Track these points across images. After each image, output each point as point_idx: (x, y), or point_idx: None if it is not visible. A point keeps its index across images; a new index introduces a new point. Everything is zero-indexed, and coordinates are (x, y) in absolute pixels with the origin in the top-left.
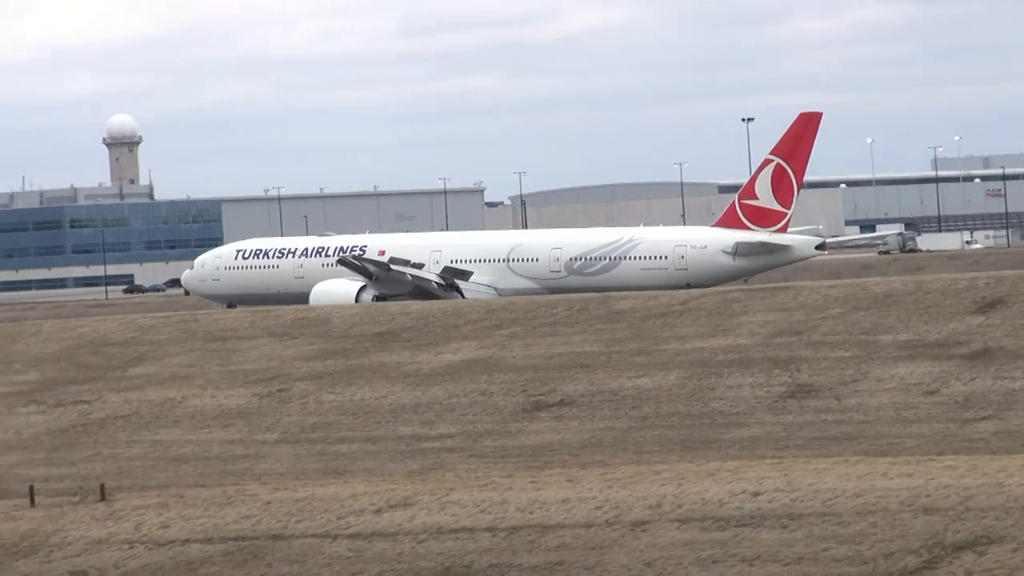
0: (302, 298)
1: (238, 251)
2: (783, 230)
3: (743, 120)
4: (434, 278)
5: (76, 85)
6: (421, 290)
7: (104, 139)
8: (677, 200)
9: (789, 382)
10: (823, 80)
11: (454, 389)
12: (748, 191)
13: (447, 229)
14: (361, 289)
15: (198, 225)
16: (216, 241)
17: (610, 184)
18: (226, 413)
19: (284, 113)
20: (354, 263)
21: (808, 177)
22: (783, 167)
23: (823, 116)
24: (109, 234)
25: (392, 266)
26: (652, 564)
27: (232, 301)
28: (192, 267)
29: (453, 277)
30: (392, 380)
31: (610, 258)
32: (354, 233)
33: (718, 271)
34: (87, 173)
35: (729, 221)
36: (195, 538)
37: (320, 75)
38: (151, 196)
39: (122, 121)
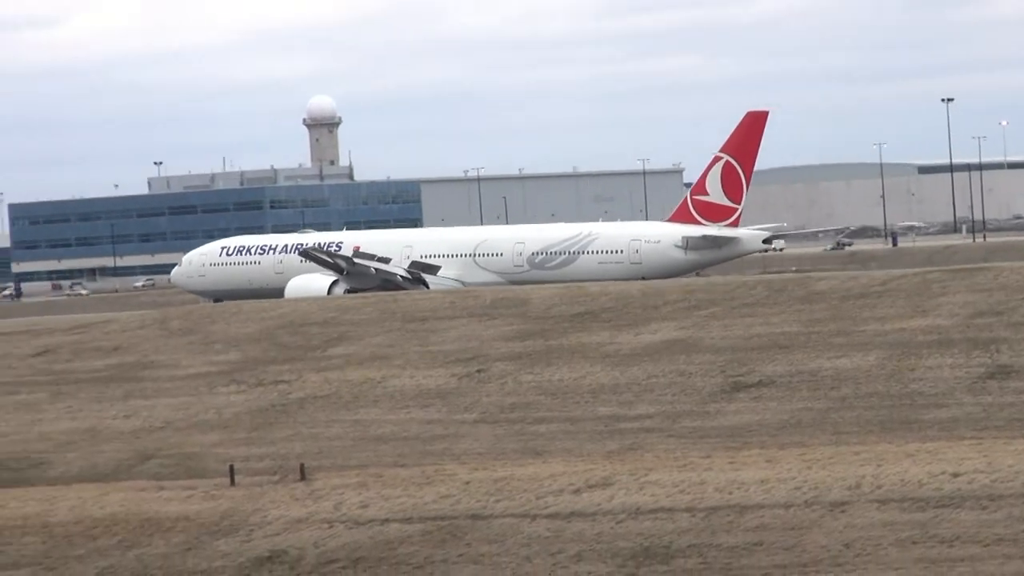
0: (281, 292)
1: (222, 248)
2: (735, 224)
3: (943, 100)
4: (400, 272)
5: (277, 67)
6: (389, 283)
7: (304, 120)
8: (876, 181)
9: (989, 363)
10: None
11: (653, 370)
12: (699, 188)
13: (646, 210)
14: (333, 283)
15: (397, 206)
16: (415, 222)
17: (809, 165)
18: (425, 393)
19: (484, 93)
20: (318, 256)
21: (1009, 158)
22: (732, 164)
23: (769, 114)
24: (309, 215)
25: (355, 260)
26: (851, 545)
27: (218, 296)
28: (180, 264)
29: (420, 271)
30: (591, 360)
31: (569, 253)
32: (334, 230)
33: (671, 264)
34: (287, 154)
35: (683, 216)
36: (394, 517)
37: (520, 55)
38: (351, 177)
39: (322, 102)
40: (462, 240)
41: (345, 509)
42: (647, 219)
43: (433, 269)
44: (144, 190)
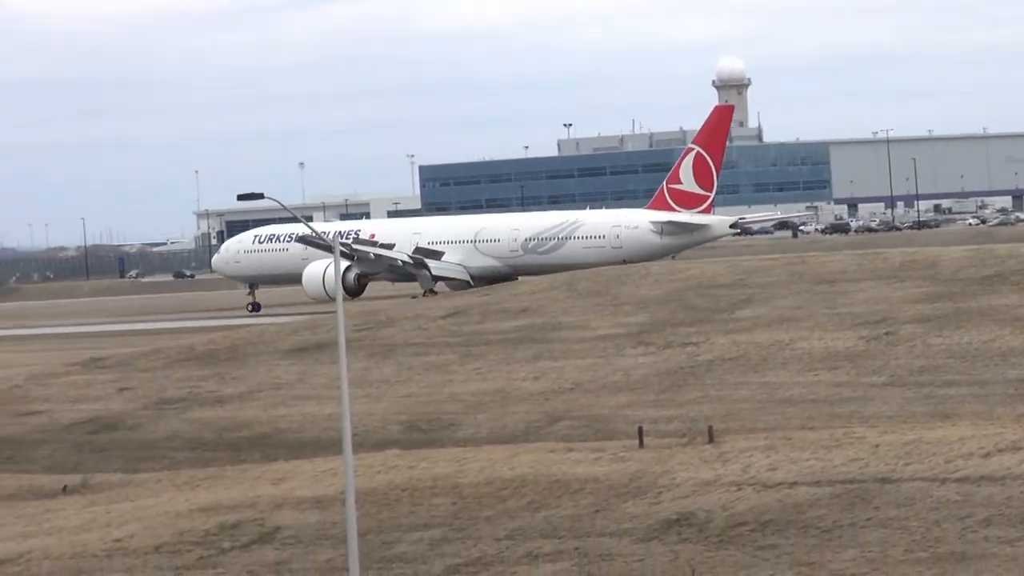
0: None
1: (255, 236)
2: (707, 211)
3: None
4: (403, 257)
5: (687, 29)
6: (394, 268)
7: (713, 82)
8: None
9: None
10: None
11: None
12: (674, 177)
13: None
14: (346, 269)
15: (806, 168)
16: (824, 184)
17: None
18: (833, 355)
19: (894, 54)
20: (315, 242)
21: None
22: (703, 155)
23: (734, 108)
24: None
25: (354, 246)
26: None
27: (252, 281)
28: (220, 252)
29: (425, 257)
30: (1000, 323)
31: (558, 238)
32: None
33: (648, 248)
34: (696, 116)
35: (659, 204)
36: (803, 481)
37: (928, 16)
38: (759, 139)
39: (731, 64)
40: (464, 228)
41: (753, 472)
42: None
43: (437, 255)
44: (553, 152)
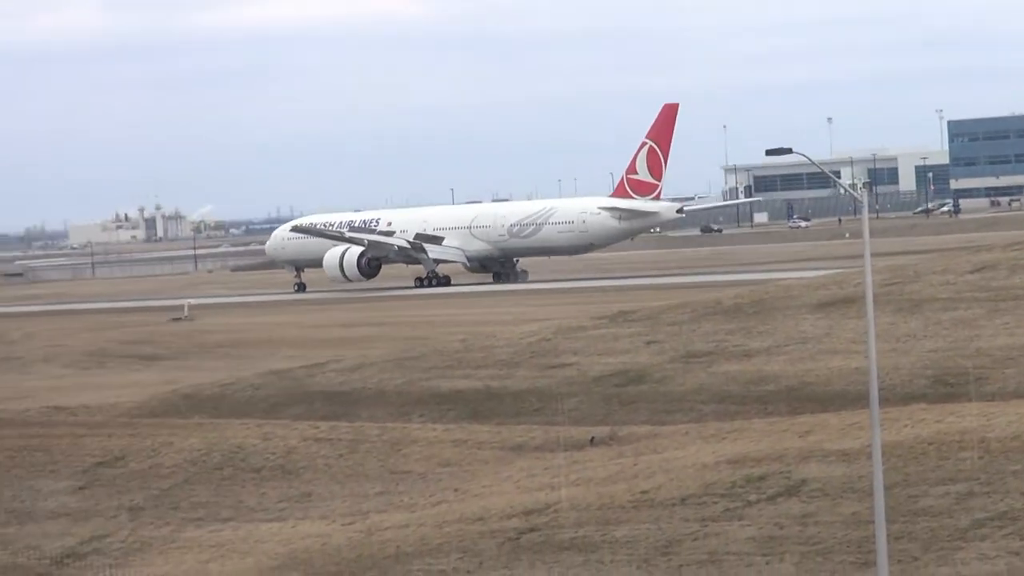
0: None
1: (295, 226)
2: (657, 198)
3: None
4: (400, 243)
5: None
6: (399, 253)
7: None
8: None
9: None
10: None
11: None
12: (631, 168)
13: None
14: (361, 254)
15: None
16: None
17: None
18: None
19: None
20: (313, 230)
21: None
22: (654, 148)
23: (679, 106)
24: None
25: (348, 234)
26: None
27: (296, 264)
28: (271, 238)
29: (424, 242)
30: None
31: (536, 224)
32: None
33: (610, 232)
34: None
35: (619, 192)
36: None
37: None
38: None
39: None
40: (462, 216)
41: None
42: None
43: (438, 240)
44: None
